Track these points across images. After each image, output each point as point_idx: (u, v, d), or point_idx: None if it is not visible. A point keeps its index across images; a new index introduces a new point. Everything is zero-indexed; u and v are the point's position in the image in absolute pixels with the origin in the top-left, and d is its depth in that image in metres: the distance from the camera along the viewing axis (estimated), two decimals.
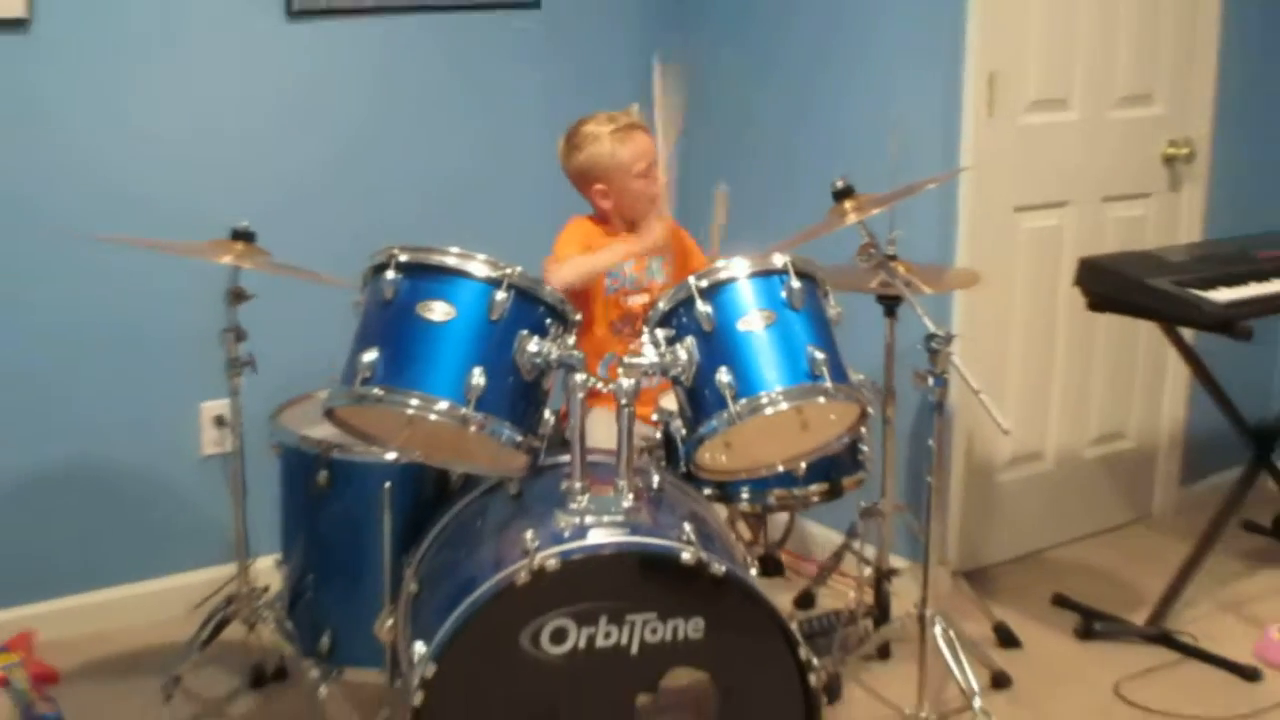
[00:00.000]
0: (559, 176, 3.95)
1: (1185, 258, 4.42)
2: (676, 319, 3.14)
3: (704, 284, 3.11)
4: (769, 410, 3.04)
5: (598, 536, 2.90)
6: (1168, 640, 4.28)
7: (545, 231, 3.84)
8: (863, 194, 3.59)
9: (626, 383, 2.99)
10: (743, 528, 4.26)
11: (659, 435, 3.52)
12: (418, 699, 2.74)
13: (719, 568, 2.80)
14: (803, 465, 3.55)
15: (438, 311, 2.99)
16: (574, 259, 3.77)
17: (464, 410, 2.95)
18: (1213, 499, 4.68)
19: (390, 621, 3.12)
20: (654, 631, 2.82)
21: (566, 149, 3.91)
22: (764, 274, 3.14)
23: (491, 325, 2.99)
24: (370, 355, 2.97)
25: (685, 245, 4.03)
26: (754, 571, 3.15)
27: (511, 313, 3.00)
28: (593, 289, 3.83)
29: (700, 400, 3.10)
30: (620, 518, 2.95)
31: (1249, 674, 4.09)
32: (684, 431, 3.17)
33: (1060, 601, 4.56)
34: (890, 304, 3.96)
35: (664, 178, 3.72)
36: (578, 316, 3.13)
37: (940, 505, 3.86)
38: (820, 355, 3.06)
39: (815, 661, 2.89)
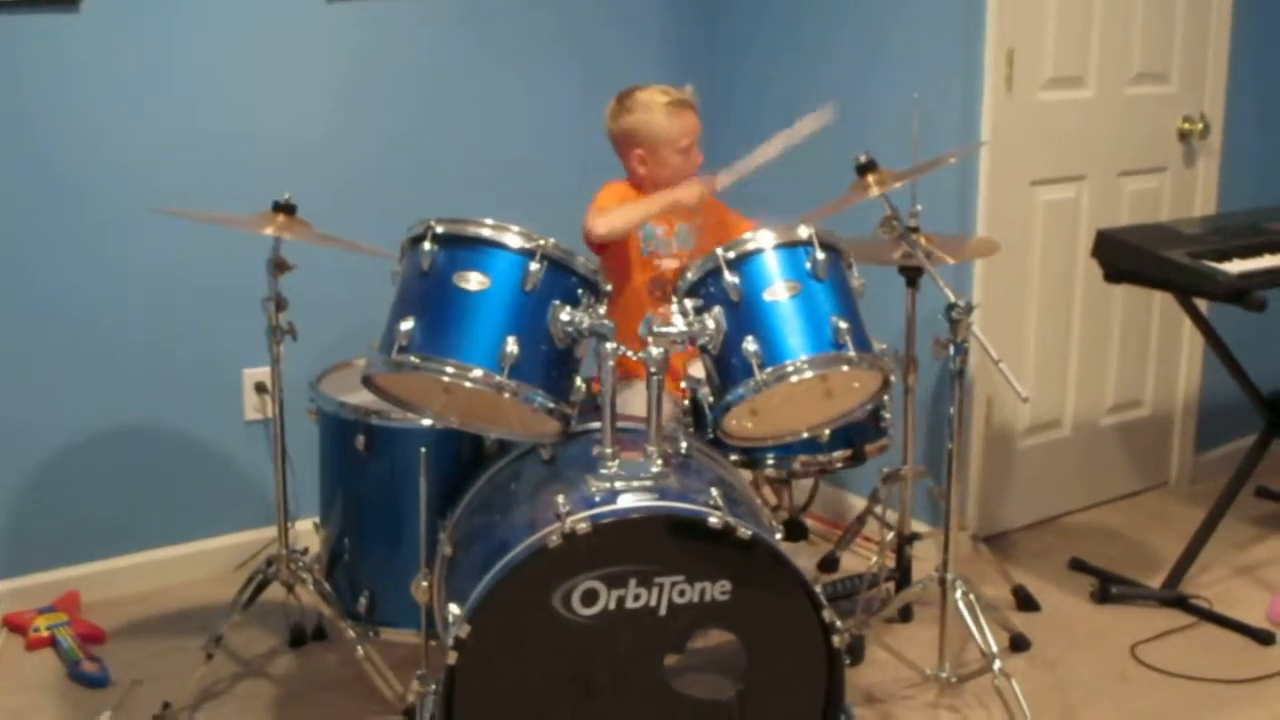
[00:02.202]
0: (598, 153, 4.00)
1: (1199, 230, 4.44)
2: (704, 289, 3.17)
3: (731, 255, 3.14)
4: (794, 378, 3.08)
5: (627, 501, 2.93)
6: (1183, 604, 4.31)
7: (584, 208, 3.86)
8: (885, 168, 3.60)
9: (656, 351, 3.03)
10: (768, 492, 4.31)
11: (686, 403, 3.58)
12: (452, 659, 2.79)
13: (745, 531, 2.83)
14: (826, 432, 3.62)
15: (473, 281, 3.03)
16: (616, 209, 3.80)
17: (498, 377, 2.99)
18: (1227, 466, 4.74)
19: (426, 583, 3.12)
20: (682, 593, 2.85)
21: (617, 109, 3.94)
22: (789, 245, 3.17)
23: (525, 295, 3.03)
24: (408, 324, 3.01)
25: (722, 216, 4.05)
26: (779, 535, 3.15)
27: (545, 283, 3.04)
28: (629, 250, 3.87)
29: (727, 368, 3.13)
30: (649, 483, 2.98)
31: (1263, 637, 4.11)
32: (711, 399, 3.21)
33: (1078, 566, 4.60)
34: (911, 275, 4.00)
35: (747, 171, 3.77)
36: (608, 287, 3.17)
37: (960, 471, 3.90)
38: (844, 324, 3.10)
39: (839, 623, 2.92)
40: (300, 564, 3.77)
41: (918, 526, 4.29)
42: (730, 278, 3.12)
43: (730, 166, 3.80)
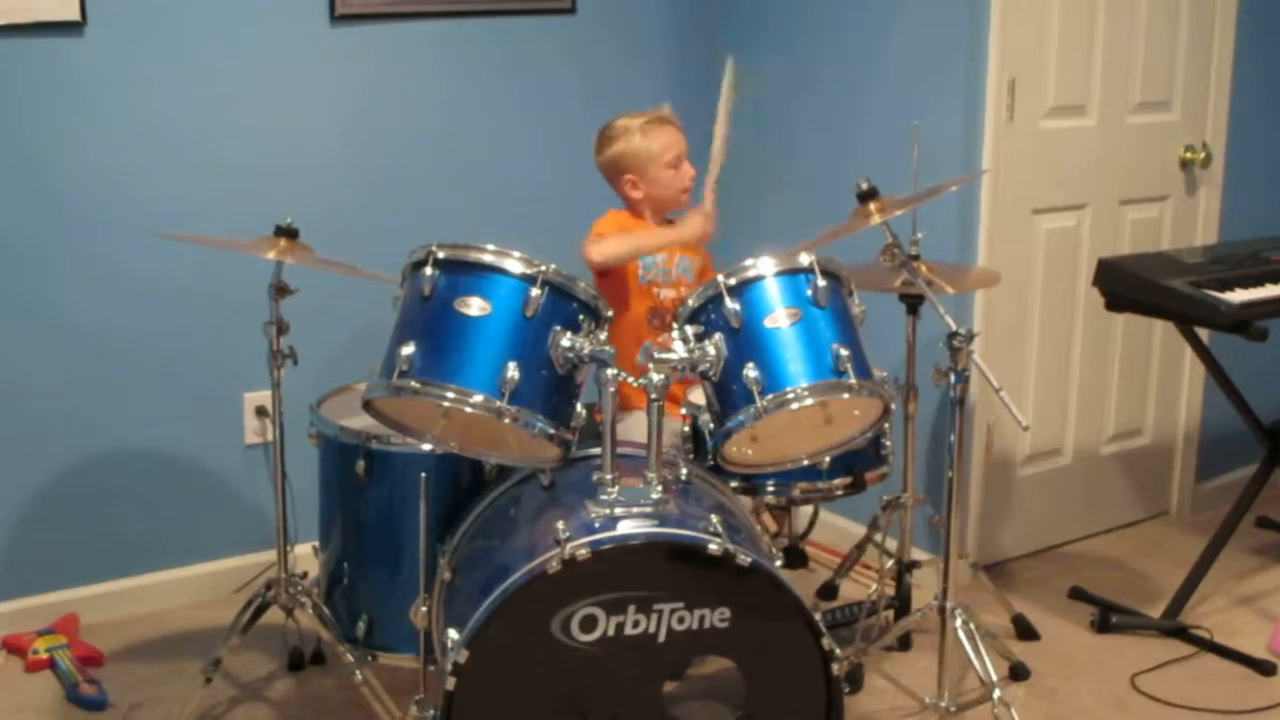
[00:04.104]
0: (601, 180, 4.00)
1: (1201, 259, 4.44)
2: (705, 315, 3.17)
3: (732, 282, 3.15)
4: (794, 405, 3.08)
5: (627, 527, 2.92)
6: (1183, 634, 4.30)
7: (586, 230, 3.88)
8: (886, 196, 3.60)
9: (656, 377, 3.03)
10: (768, 519, 4.30)
11: (686, 429, 3.58)
12: (450, 684, 2.78)
13: (745, 558, 2.83)
14: (827, 459, 3.60)
15: (474, 307, 3.03)
16: (614, 236, 3.82)
17: (498, 403, 2.98)
18: (1227, 495, 4.73)
19: (425, 608, 3.13)
20: (681, 620, 2.85)
21: (599, 144, 3.96)
22: (790, 272, 3.17)
23: (526, 320, 3.03)
24: (408, 349, 3.01)
25: (705, 256, 4.07)
26: (779, 562, 3.14)
27: (546, 308, 3.04)
28: (627, 279, 3.88)
29: (728, 395, 3.13)
30: (649, 509, 2.98)
31: (1264, 668, 4.10)
32: (712, 425, 3.21)
33: (1078, 595, 4.59)
34: (912, 302, 4.02)
35: (719, 162, 3.81)
36: (609, 313, 3.17)
37: (960, 499, 3.89)
38: (844, 352, 3.10)
39: (838, 651, 2.91)
40: (299, 588, 3.77)
41: (917, 554, 4.30)
42: (731, 304, 3.13)
43: (705, 177, 3.85)
